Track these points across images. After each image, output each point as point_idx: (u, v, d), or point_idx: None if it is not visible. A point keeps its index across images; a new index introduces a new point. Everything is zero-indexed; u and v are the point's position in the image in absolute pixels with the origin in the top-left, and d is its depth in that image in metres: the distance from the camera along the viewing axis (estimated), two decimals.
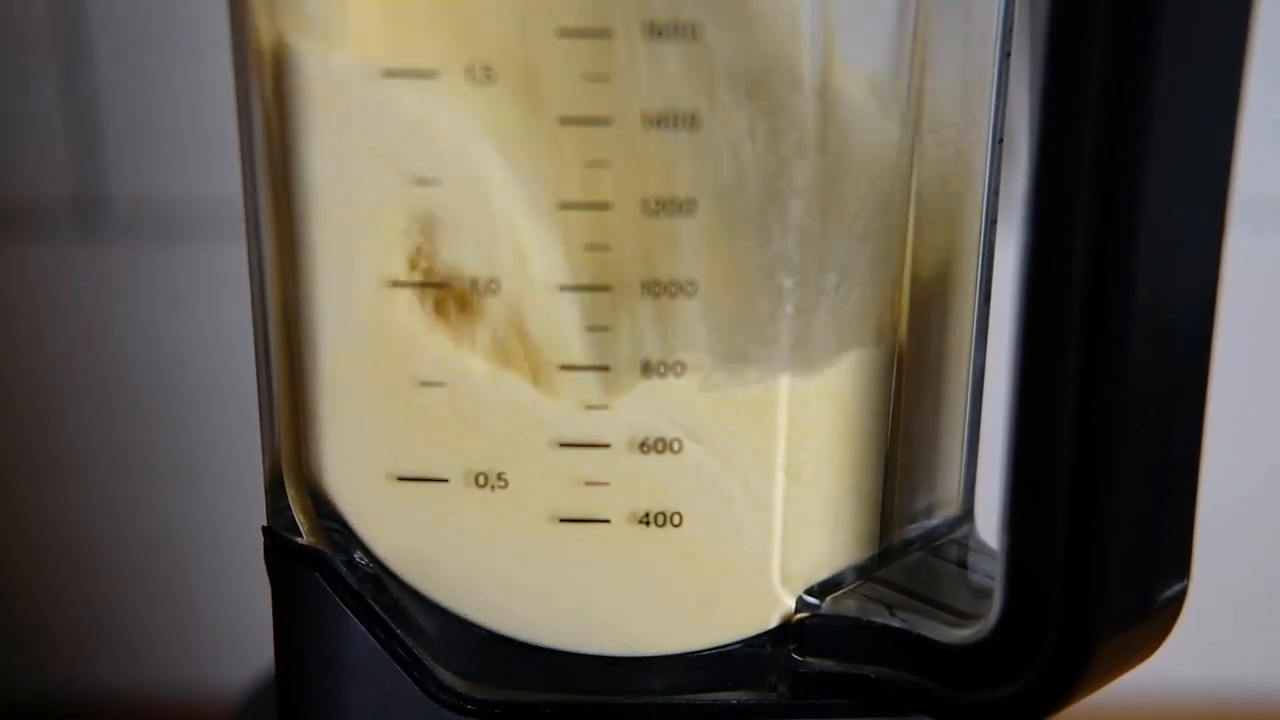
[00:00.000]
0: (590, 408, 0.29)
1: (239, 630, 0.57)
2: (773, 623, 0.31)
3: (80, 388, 0.58)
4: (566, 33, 0.28)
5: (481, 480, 0.30)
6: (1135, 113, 0.26)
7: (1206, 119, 0.27)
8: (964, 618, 0.30)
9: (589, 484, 0.30)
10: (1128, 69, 0.26)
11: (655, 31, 0.27)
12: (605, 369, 0.29)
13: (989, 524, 0.31)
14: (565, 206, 0.28)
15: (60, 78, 0.55)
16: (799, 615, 0.30)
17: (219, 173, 0.55)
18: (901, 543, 0.32)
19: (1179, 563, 0.29)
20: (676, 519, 0.30)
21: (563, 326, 0.29)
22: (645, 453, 0.30)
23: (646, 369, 0.29)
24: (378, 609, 0.31)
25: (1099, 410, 0.27)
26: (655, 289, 0.29)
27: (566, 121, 0.28)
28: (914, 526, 0.32)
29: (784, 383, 0.29)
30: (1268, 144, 0.50)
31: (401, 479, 0.30)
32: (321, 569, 0.31)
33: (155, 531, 0.59)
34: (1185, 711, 0.60)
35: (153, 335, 0.57)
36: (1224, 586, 0.56)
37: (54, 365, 0.58)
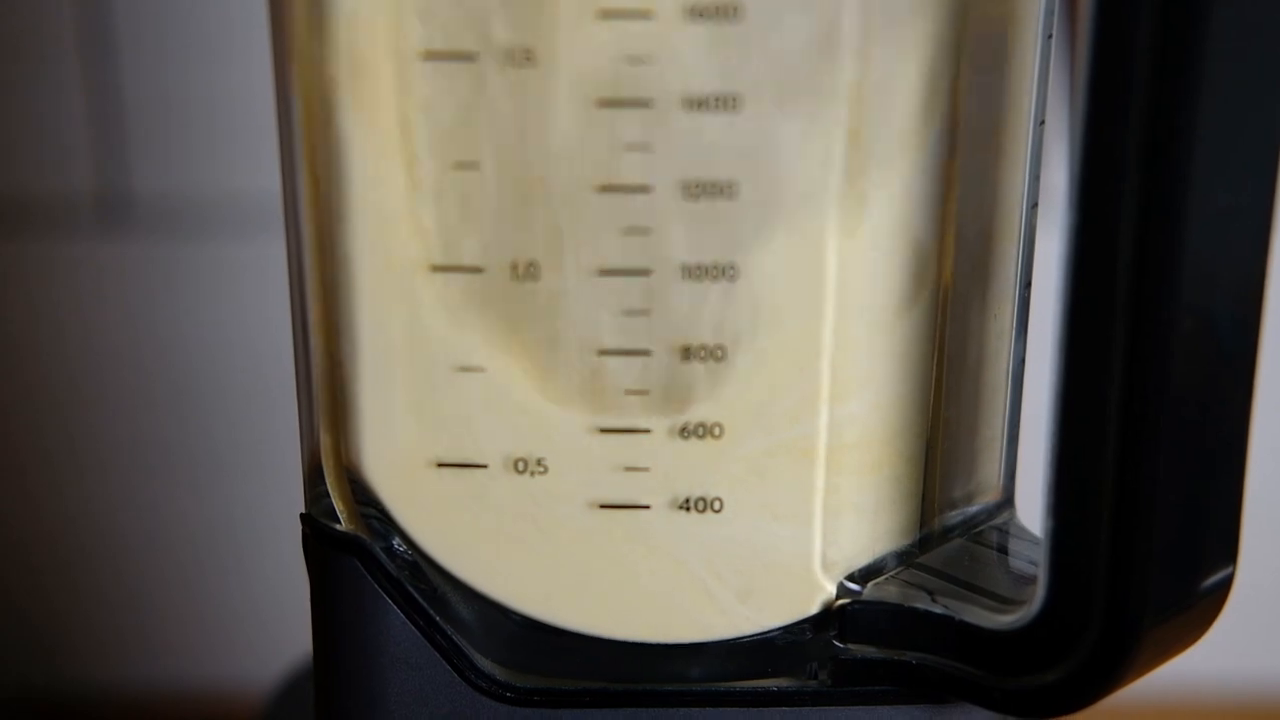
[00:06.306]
0: (629, 392, 0.29)
1: (266, 627, 0.57)
2: (813, 609, 0.30)
3: (104, 384, 0.58)
4: (607, 14, 0.27)
5: (521, 466, 0.30)
6: (1182, 95, 0.26)
7: (1256, 102, 0.27)
8: (1006, 604, 0.30)
9: (629, 470, 0.30)
10: (1175, 50, 0.25)
11: (697, 13, 0.27)
12: (646, 353, 0.29)
13: (1030, 510, 0.31)
14: (604, 190, 0.28)
15: (83, 73, 0.55)
16: (840, 601, 0.30)
17: (243, 168, 0.55)
18: (942, 529, 0.32)
19: (1225, 549, 0.29)
20: (717, 505, 0.30)
21: (602, 311, 0.29)
22: (686, 438, 0.29)
23: (686, 354, 0.29)
24: (417, 596, 0.30)
25: (1144, 395, 0.27)
26: (695, 273, 0.29)
27: (605, 104, 0.28)
28: (954, 513, 0.32)
29: (824, 369, 0.29)
30: None
31: (440, 465, 0.30)
32: (360, 556, 0.30)
33: (180, 529, 0.59)
34: (1213, 705, 0.59)
35: (177, 331, 0.57)
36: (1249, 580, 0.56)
37: (77, 362, 0.58)
